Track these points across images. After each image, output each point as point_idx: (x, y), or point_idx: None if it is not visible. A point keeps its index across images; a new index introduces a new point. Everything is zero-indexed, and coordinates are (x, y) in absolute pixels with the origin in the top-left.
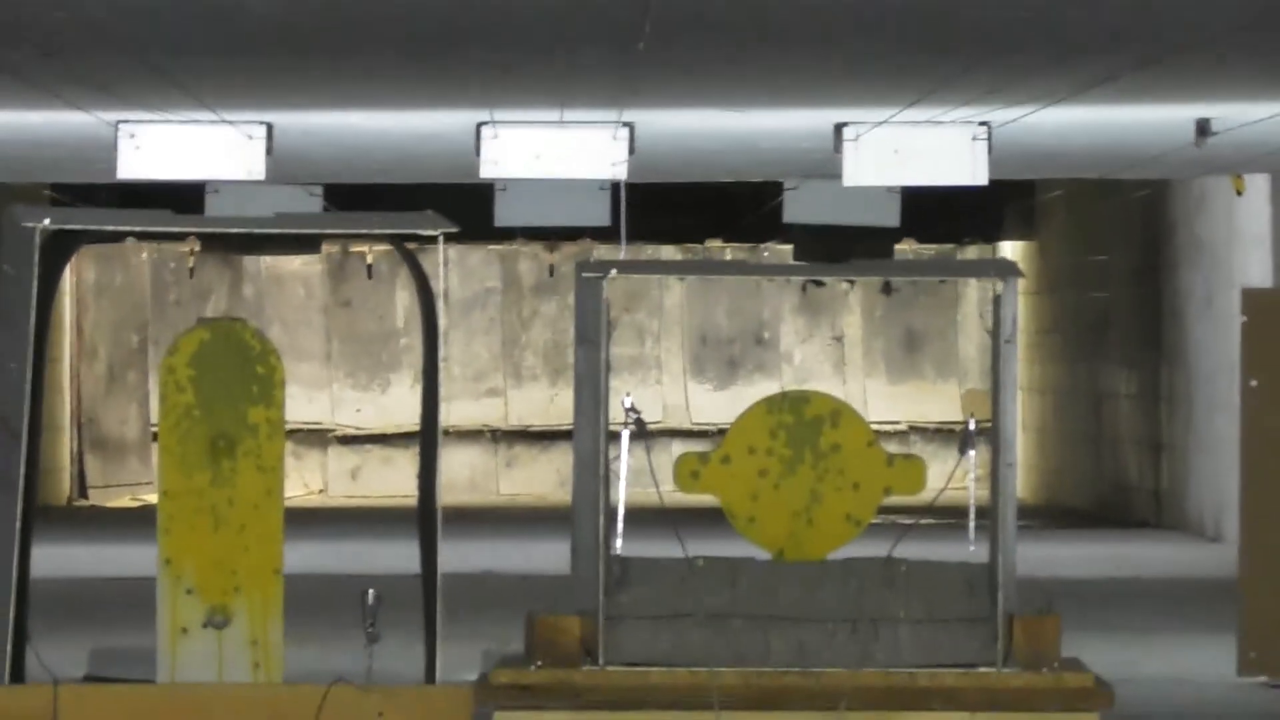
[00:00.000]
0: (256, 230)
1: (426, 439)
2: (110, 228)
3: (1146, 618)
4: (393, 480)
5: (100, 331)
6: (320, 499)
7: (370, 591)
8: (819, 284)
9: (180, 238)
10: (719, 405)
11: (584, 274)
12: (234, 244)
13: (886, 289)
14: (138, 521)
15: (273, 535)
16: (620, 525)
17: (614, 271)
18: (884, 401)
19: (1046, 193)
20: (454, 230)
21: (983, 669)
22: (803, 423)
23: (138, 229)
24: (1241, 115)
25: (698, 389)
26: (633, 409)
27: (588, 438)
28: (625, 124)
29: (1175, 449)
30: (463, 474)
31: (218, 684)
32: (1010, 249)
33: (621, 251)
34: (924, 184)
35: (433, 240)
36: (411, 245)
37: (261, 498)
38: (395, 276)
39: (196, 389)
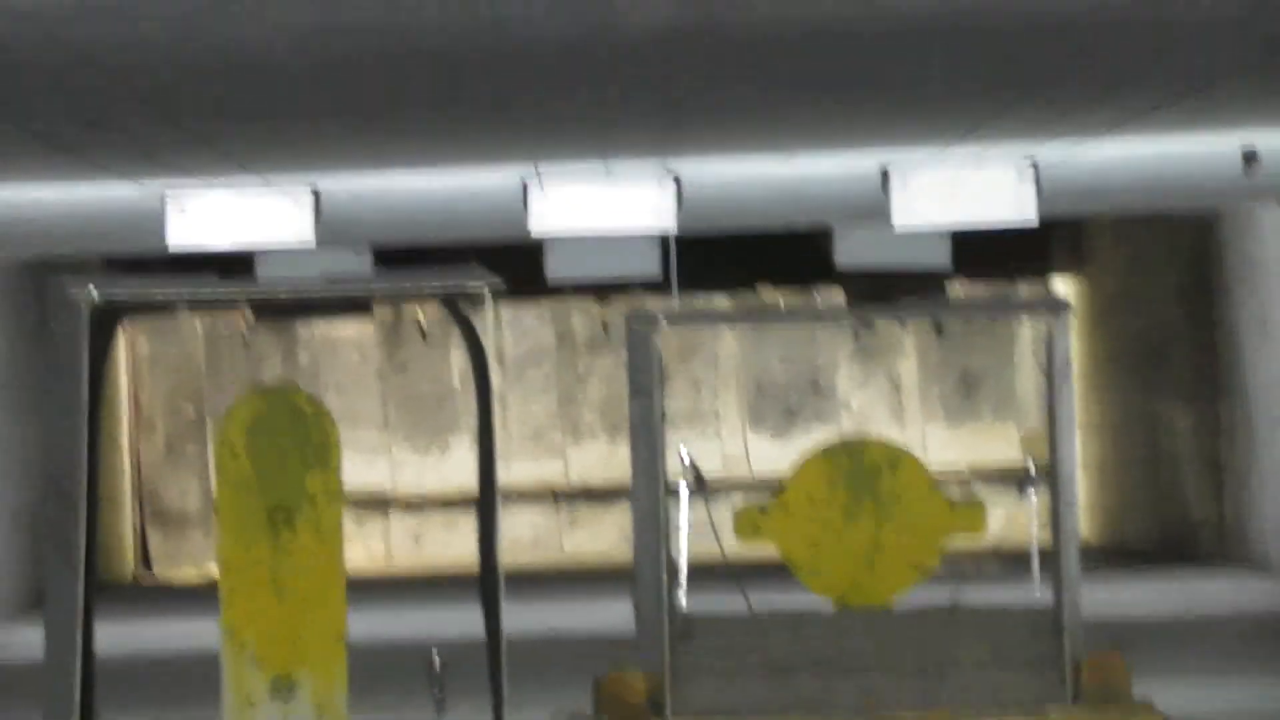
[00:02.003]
0: (304, 295)
1: (485, 500)
2: (157, 295)
3: (1212, 658)
4: (456, 544)
5: (156, 404)
6: (383, 566)
7: (434, 655)
8: (871, 328)
9: (230, 304)
10: (778, 455)
11: (634, 326)
12: (285, 309)
13: (939, 329)
14: (202, 596)
15: (335, 603)
16: (683, 579)
17: (664, 323)
18: (943, 445)
19: (1094, 223)
20: (500, 285)
21: (1051, 709)
22: (862, 470)
23: (185, 296)
24: None
25: (756, 439)
26: (690, 463)
27: (646, 492)
28: (672, 175)
29: (1237, 478)
30: (525, 534)
31: None
32: (1061, 283)
33: (674, 303)
34: (973, 224)
35: (481, 298)
36: (463, 305)
37: (322, 565)
38: (449, 338)
39: (252, 458)
